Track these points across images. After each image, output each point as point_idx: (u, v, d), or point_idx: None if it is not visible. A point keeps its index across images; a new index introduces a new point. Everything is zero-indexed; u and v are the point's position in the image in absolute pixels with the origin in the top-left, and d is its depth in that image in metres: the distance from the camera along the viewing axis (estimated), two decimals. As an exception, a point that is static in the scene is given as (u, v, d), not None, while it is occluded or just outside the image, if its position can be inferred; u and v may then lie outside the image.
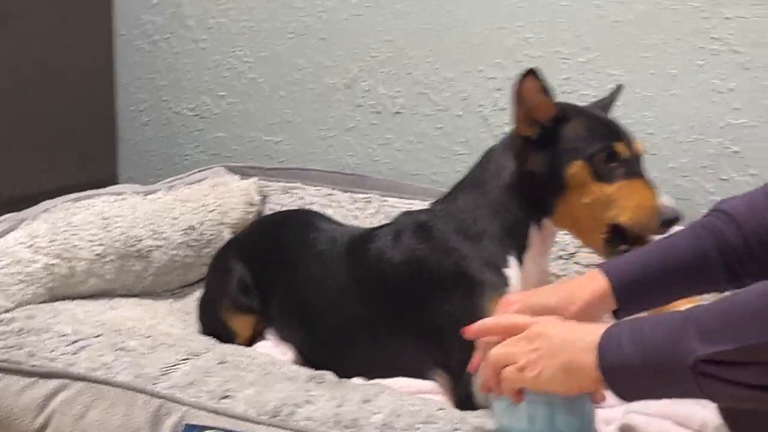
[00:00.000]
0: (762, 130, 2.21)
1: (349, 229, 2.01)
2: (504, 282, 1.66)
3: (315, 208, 2.40)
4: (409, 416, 1.48)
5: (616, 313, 1.41)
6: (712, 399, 1.08)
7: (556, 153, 1.65)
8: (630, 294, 1.40)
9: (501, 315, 1.39)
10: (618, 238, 1.63)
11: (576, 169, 1.64)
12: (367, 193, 2.44)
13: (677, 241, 1.41)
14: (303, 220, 2.08)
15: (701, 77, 2.25)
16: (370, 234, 1.86)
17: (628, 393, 1.14)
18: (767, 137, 2.20)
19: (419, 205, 2.19)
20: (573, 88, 2.37)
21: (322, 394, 1.58)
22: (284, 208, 2.46)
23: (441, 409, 1.52)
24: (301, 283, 1.93)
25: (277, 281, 1.99)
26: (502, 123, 2.45)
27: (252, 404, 1.54)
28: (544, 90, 1.64)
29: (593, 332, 1.15)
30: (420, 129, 2.63)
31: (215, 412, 1.55)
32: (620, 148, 1.64)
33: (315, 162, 2.76)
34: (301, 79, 2.79)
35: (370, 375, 1.76)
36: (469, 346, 1.42)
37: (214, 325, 2.03)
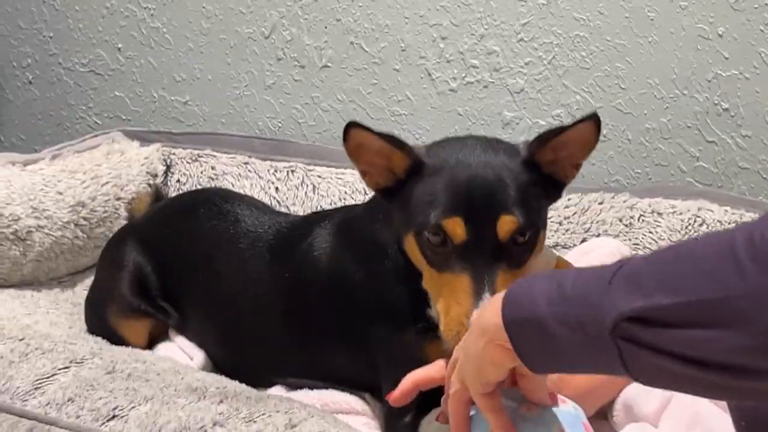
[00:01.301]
0: (756, 83, 2.13)
1: (275, 220, 1.89)
2: (434, 325, 1.47)
3: (229, 178, 2.37)
4: None
5: None
6: (637, 377, 0.95)
7: (402, 213, 1.47)
8: None
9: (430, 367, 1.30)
10: None
11: (409, 242, 1.45)
12: (290, 161, 2.36)
13: None
14: (219, 207, 1.95)
15: (684, 21, 2.17)
16: (298, 230, 1.78)
17: (536, 359, 1.03)
18: (762, 92, 2.12)
19: (353, 176, 2.18)
20: (532, 35, 2.30)
21: (236, 412, 1.46)
22: (192, 179, 2.40)
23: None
24: (216, 281, 1.86)
25: (186, 277, 1.91)
26: (448, 77, 2.42)
27: (146, 427, 1.42)
28: (386, 139, 1.44)
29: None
30: (351, 85, 2.56)
31: None
32: (451, 227, 1.37)
33: (228, 125, 2.71)
34: (212, 28, 2.70)
35: (290, 384, 1.74)
36: (395, 373, 1.36)
37: (102, 331, 1.93)
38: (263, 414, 1.45)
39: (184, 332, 1.92)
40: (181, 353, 1.87)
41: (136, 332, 1.91)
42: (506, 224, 1.36)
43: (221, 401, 1.49)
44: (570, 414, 1.21)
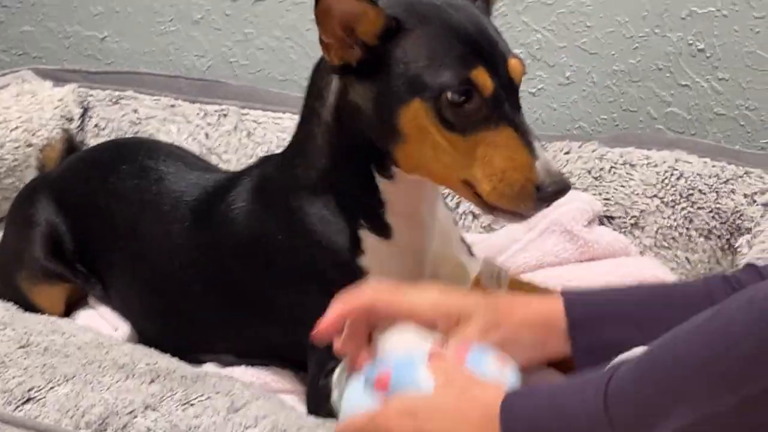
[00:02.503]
0: (734, 21, 2.08)
1: (201, 178, 1.82)
2: (360, 279, 1.46)
3: (153, 123, 2.27)
4: None
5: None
6: None
7: (387, 85, 1.36)
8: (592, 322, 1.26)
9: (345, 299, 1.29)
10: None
11: (413, 112, 1.34)
12: (221, 104, 2.27)
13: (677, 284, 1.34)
14: (142, 164, 1.87)
15: (655, -54, 2.16)
16: (219, 190, 1.70)
17: None
18: (741, 31, 2.07)
19: (291, 121, 2.05)
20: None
21: (171, 393, 1.38)
22: (113, 124, 2.30)
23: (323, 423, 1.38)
24: (138, 247, 1.78)
25: (106, 240, 1.83)
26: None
27: (67, 411, 1.33)
28: None
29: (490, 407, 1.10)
30: (289, 21, 2.50)
31: (12, 423, 1.33)
32: (481, 78, 1.31)
33: (151, 65, 2.64)
34: (131, -47, 2.64)
35: (224, 361, 1.67)
36: (324, 352, 1.38)
37: (12, 297, 1.85)
38: (201, 396, 1.37)
39: (106, 301, 1.84)
40: (104, 323, 1.79)
41: (51, 299, 1.84)
42: (519, 66, 1.34)
43: (153, 381, 1.41)
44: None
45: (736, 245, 1.65)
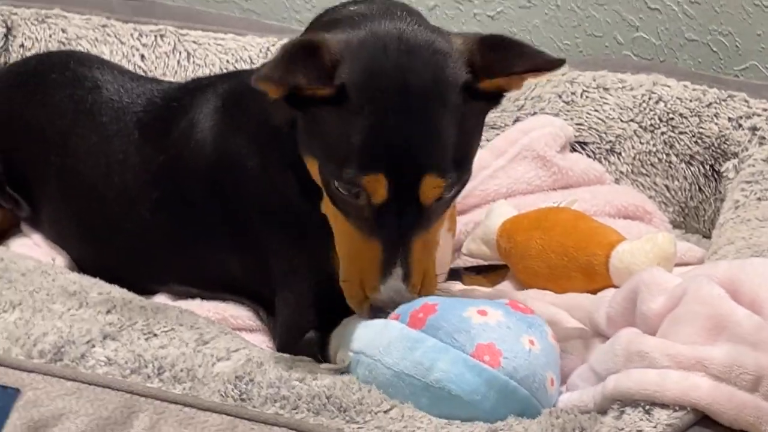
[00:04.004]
0: None
1: (145, 87, 1.75)
2: None
3: (83, 43, 2.18)
4: (279, 367, 1.24)
5: None
6: None
7: (307, 134, 1.34)
8: None
9: None
10: None
11: (312, 169, 1.34)
12: (157, 24, 2.18)
13: None
14: (74, 72, 1.80)
15: None
16: (175, 102, 1.65)
17: None
18: None
19: (235, 42, 2.07)
20: None
21: (130, 323, 1.33)
22: (39, 44, 2.20)
23: (300, 360, 1.32)
24: (73, 164, 1.71)
25: (37, 159, 1.76)
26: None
27: (17, 340, 1.28)
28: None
29: None
30: None
31: None
32: (372, 186, 1.26)
33: None
34: None
35: (175, 292, 1.64)
36: (303, 290, 1.42)
37: None
38: (164, 327, 1.32)
39: (39, 228, 1.78)
40: (40, 252, 1.72)
41: None
42: (433, 187, 1.26)
43: (109, 311, 1.36)
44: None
45: (722, 170, 1.61)
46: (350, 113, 1.25)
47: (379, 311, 1.28)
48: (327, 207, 1.33)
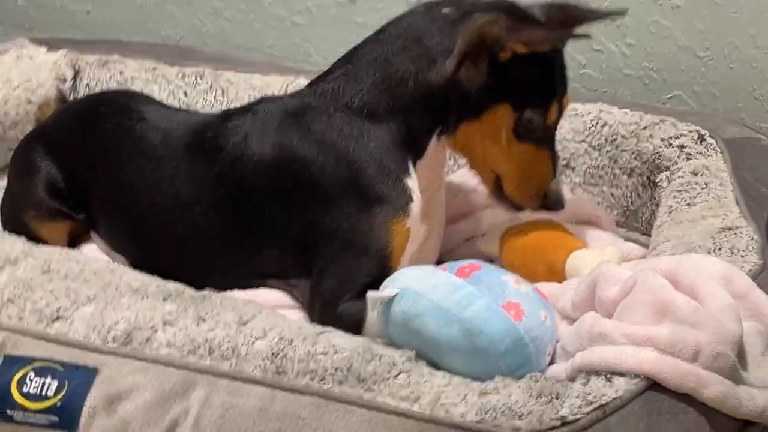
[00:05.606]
0: None
1: (185, 116, 1.68)
2: (407, 198, 1.40)
3: (138, 83, 2.09)
4: (306, 343, 1.19)
5: None
6: None
7: (494, 81, 1.37)
8: None
9: None
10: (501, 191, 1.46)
11: (500, 111, 1.38)
12: (197, 66, 2.11)
13: None
14: (122, 105, 1.72)
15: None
16: (219, 124, 1.55)
17: None
18: (646, 3, 1.94)
19: (261, 80, 2.01)
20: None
21: (184, 312, 1.27)
22: (101, 84, 2.14)
23: (336, 336, 1.24)
24: (126, 185, 1.62)
25: (96, 182, 1.67)
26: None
27: (94, 327, 1.23)
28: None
29: None
30: None
31: (45, 339, 1.23)
32: (552, 113, 1.41)
33: (130, 35, 2.48)
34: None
35: (216, 285, 1.48)
36: (357, 262, 1.37)
37: (22, 233, 1.63)
38: (211, 312, 1.26)
39: (103, 241, 1.70)
40: (105, 257, 1.65)
41: (56, 234, 1.68)
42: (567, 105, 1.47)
43: (165, 300, 1.30)
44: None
45: (657, 180, 1.59)
46: (551, 63, 1.39)
47: (555, 200, 1.43)
48: (503, 140, 1.39)
